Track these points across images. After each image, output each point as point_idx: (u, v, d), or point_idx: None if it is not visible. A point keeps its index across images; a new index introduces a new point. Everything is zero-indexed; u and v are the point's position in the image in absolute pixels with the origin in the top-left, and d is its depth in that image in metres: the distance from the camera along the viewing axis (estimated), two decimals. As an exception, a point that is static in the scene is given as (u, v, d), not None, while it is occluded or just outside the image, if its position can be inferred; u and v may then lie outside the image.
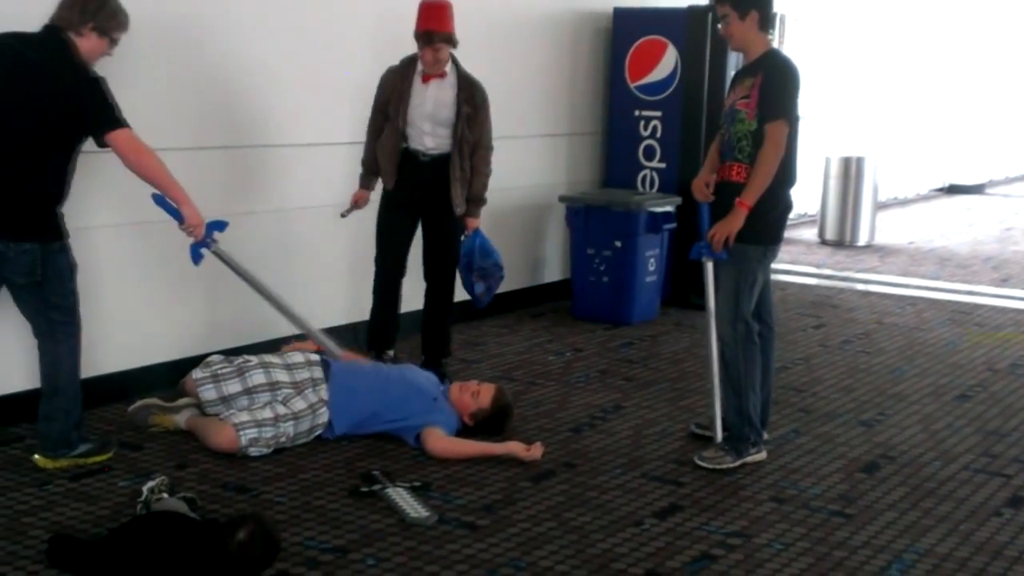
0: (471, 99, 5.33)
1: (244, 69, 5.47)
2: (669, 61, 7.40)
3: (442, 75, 5.31)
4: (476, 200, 5.50)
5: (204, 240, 4.62)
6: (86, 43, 4.11)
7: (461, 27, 5.31)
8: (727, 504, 4.18)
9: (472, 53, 6.06)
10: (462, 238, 5.55)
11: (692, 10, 7.38)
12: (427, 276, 5.62)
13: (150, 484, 3.80)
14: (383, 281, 5.62)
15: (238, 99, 5.51)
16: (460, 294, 5.76)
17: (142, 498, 3.75)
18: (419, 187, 5.40)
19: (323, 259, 6.02)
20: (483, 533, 3.83)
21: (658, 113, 7.46)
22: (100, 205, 4.81)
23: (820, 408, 5.43)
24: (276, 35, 5.60)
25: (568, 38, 7.51)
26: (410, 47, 5.33)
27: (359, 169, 5.63)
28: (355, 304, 6.02)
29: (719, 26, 4.67)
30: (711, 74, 7.29)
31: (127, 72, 4.68)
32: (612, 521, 3.98)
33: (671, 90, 7.42)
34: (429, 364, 5.53)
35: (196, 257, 4.69)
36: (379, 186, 5.59)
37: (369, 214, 5.67)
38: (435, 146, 5.36)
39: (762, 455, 4.66)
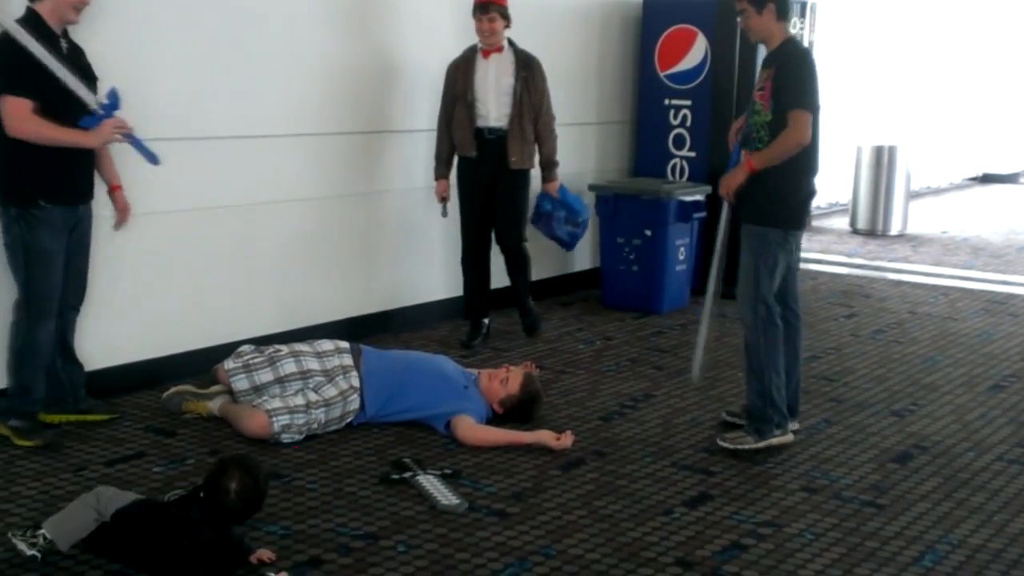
0: (528, 66, 5.90)
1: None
2: (699, 50, 7.37)
3: (499, 49, 5.86)
4: (549, 163, 6.10)
5: (109, 108, 4.29)
6: (48, 4, 4.17)
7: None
8: (758, 494, 4.17)
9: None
10: (544, 200, 6.29)
11: (722, -2, 7.34)
12: (499, 239, 6.12)
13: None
14: (471, 252, 6.08)
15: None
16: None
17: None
18: (489, 161, 5.87)
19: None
20: (513, 521, 3.84)
21: (688, 102, 7.43)
22: (129, 195, 4.84)
23: (852, 398, 5.40)
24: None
25: (598, 27, 7.49)
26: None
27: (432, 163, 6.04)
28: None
29: (738, 20, 4.74)
30: (741, 63, 7.26)
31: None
32: (642, 510, 3.98)
33: (701, 79, 7.38)
34: (522, 314, 6.27)
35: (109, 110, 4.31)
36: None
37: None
38: (499, 116, 5.86)
39: (788, 438, 4.66)
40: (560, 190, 6.24)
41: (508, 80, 5.85)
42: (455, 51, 6.01)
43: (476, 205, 5.99)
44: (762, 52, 7.06)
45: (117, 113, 4.29)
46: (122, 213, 4.62)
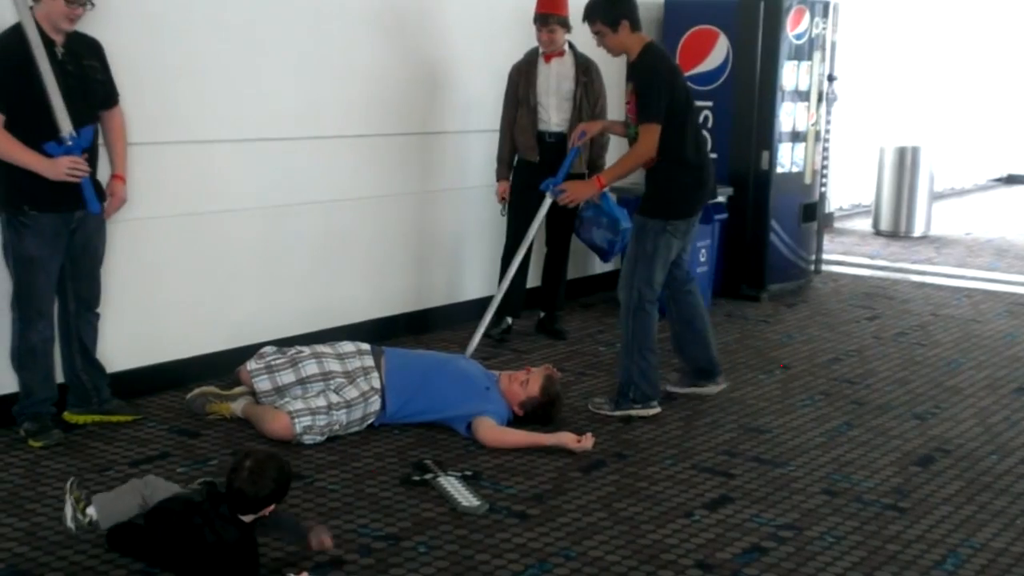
0: (587, 71, 5.99)
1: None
2: (720, 51, 7.37)
3: (560, 53, 5.97)
4: (596, 167, 6.04)
5: (75, 145, 4.23)
6: (42, 9, 4.17)
7: (512, 19, 5.39)
8: (778, 496, 4.17)
9: (523, 44, 6.10)
10: (590, 210, 6.19)
11: (743, 0, 7.34)
12: (548, 241, 6.29)
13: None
14: (512, 251, 5.96)
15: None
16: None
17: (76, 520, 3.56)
18: (549, 164, 5.82)
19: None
20: (533, 523, 3.85)
21: (709, 103, 7.42)
22: (155, 196, 4.88)
23: (873, 400, 5.39)
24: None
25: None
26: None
27: (494, 165, 6.12)
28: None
29: (596, 42, 5.00)
30: (762, 64, 7.26)
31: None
32: (662, 512, 3.98)
33: (722, 80, 7.38)
34: (547, 317, 6.37)
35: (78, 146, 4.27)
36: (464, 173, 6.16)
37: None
38: (560, 121, 5.97)
39: (654, 410, 5.01)
40: (603, 197, 6.12)
41: (568, 85, 5.95)
42: (499, 55, 6.02)
43: (528, 208, 5.81)
44: (785, 52, 7.23)
45: (86, 152, 4.25)
46: (113, 201, 4.51)
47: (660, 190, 4.97)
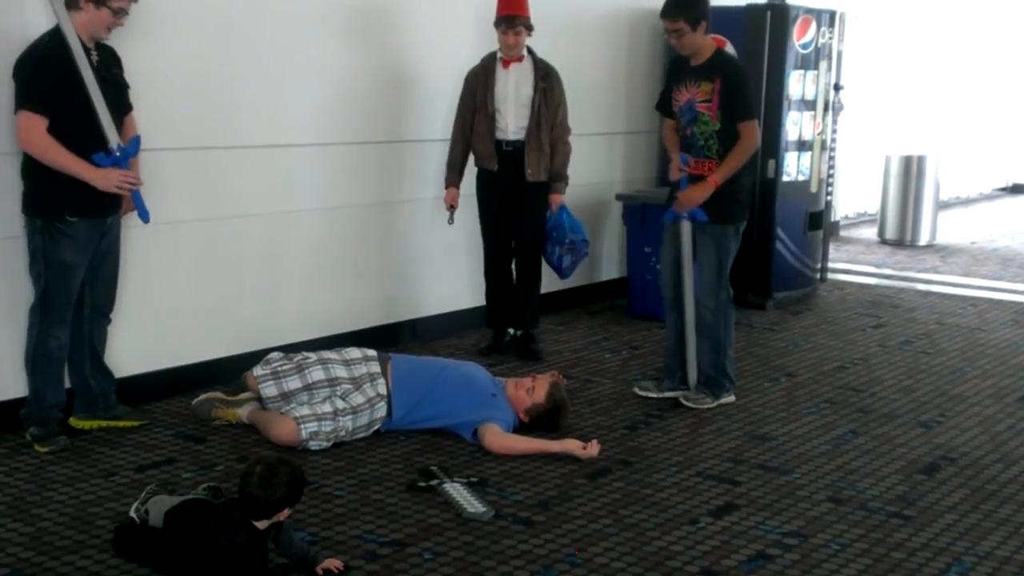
0: (547, 76, 5.84)
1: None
2: (727, 59, 7.36)
3: (519, 59, 5.82)
4: (558, 176, 5.93)
5: (125, 154, 4.31)
6: (84, 17, 4.22)
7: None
8: (784, 504, 4.16)
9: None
10: (548, 215, 5.96)
11: (750, 8, 7.35)
12: (515, 252, 6.07)
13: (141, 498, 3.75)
14: (492, 262, 6.09)
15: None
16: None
17: (137, 510, 3.67)
18: (507, 173, 5.84)
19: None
20: (539, 529, 3.85)
21: (716, 111, 7.42)
22: (165, 202, 4.89)
23: (879, 408, 5.38)
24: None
25: (625, 36, 7.51)
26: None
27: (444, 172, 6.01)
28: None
29: (670, 40, 5.10)
30: (769, 73, 7.26)
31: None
32: (668, 519, 3.98)
33: (729, 88, 7.38)
34: (523, 336, 6.13)
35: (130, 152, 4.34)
36: (470, 179, 6.02)
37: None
38: (518, 129, 5.81)
39: (732, 398, 5.32)
40: (560, 208, 5.96)
41: (527, 91, 5.80)
42: (472, 61, 5.99)
43: (493, 217, 5.95)
44: (792, 61, 7.23)
45: (132, 161, 4.33)
46: (127, 210, 4.54)
47: (732, 194, 5.09)
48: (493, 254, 6.07)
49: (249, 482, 3.32)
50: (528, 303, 6.10)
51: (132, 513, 3.60)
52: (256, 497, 3.31)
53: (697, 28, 4.97)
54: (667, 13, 5.02)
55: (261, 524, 3.35)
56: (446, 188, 5.96)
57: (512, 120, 5.80)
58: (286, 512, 3.38)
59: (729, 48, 7.28)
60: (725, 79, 4.98)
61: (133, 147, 4.34)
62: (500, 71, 5.82)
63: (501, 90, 5.80)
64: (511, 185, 5.86)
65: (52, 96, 4.17)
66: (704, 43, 5.04)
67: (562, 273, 6.17)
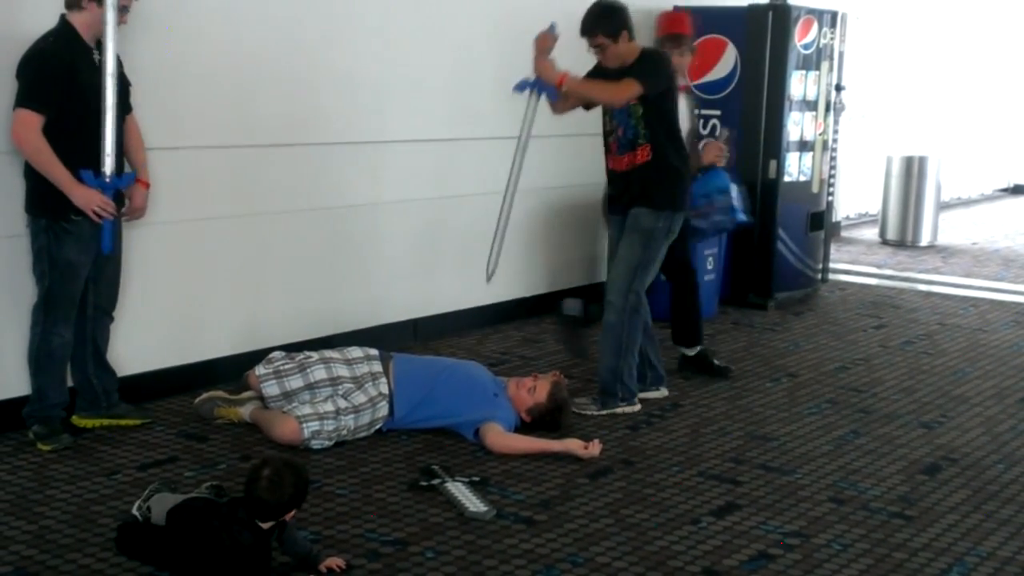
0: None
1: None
2: (729, 60, 7.38)
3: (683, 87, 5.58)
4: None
5: (117, 184, 4.32)
6: (87, 16, 4.22)
7: (517, 26, 5.34)
8: (785, 504, 4.17)
9: (530, 52, 6.10)
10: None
11: (752, 9, 7.36)
12: (666, 270, 5.60)
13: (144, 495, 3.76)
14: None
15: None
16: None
17: (139, 508, 3.67)
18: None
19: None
20: (541, 528, 3.86)
21: (717, 112, 7.43)
22: (169, 202, 4.90)
23: (880, 409, 5.39)
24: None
25: (627, 36, 7.49)
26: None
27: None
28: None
29: (596, 56, 5.02)
30: (771, 73, 7.27)
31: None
32: (669, 519, 3.99)
33: (730, 89, 7.39)
34: (701, 352, 5.81)
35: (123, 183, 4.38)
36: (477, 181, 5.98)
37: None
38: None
39: (636, 407, 5.15)
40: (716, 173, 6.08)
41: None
42: (490, 64, 5.97)
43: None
44: (794, 61, 7.24)
45: (119, 190, 4.35)
46: (136, 208, 4.55)
47: (659, 178, 4.98)
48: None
49: (257, 485, 3.33)
50: (694, 318, 5.84)
51: (134, 511, 3.61)
52: (264, 500, 3.32)
53: (619, 39, 4.90)
54: (584, 31, 4.96)
55: (266, 524, 3.35)
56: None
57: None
58: (292, 513, 3.39)
59: (732, 51, 7.33)
60: (638, 65, 4.91)
61: (125, 180, 4.35)
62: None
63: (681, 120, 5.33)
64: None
65: (54, 96, 4.17)
66: (628, 50, 4.94)
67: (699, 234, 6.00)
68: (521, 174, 4.99)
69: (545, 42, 4.93)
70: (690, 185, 5.30)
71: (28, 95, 4.18)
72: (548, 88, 4.89)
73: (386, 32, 5.91)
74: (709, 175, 5.94)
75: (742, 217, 6.04)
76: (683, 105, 5.50)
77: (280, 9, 5.38)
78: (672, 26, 5.82)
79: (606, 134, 5.19)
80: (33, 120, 4.16)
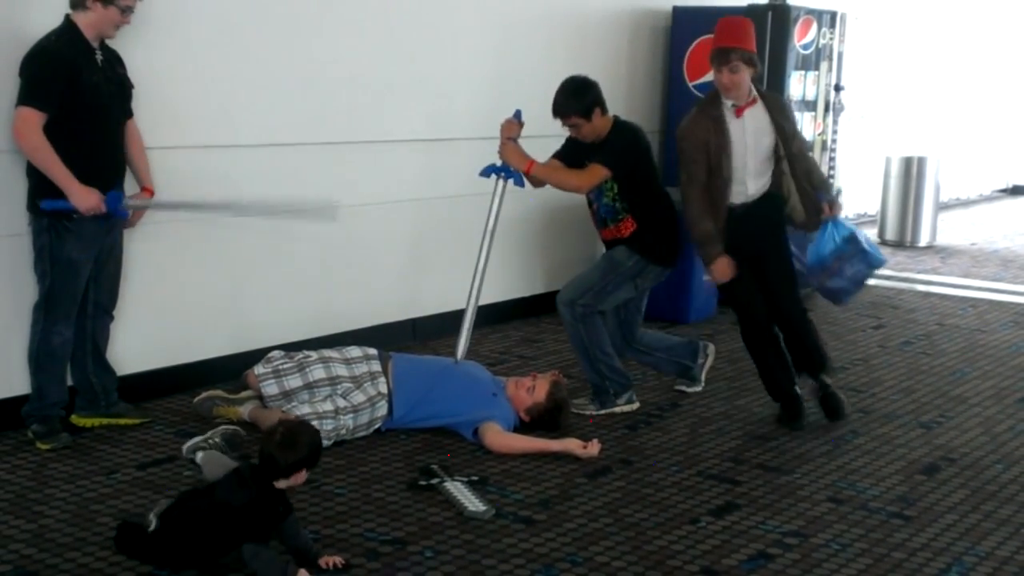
0: (783, 110, 5.05)
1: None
2: (728, 60, 7.37)
3: (752, 102, 4.87)
4: (823, 186, 5.10)
5: (115, 211, 4.38)
6: (92, 16, 4.24)
7: (516, 26, 5.34)
8: (784, 504, 4.17)
9: (528, 52, 6.12)
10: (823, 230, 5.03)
11: (751, 9, 7.34)
12: (775, 314, 5.07)
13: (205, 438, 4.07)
14: (757, 333, 5.10)
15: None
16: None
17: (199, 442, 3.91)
18: (745, 238, 4.91)
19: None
20: (540, 528, 3.86)
21: (717, 112, 7.43)
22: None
23: (879, 409, 5.39)
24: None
25: (626, 37, 7.51)
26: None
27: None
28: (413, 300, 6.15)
29: (570, 132, 5.02)
30: (770, 73, 7.26)
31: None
32: (668, 518, 3.99)
33: (730, 89, 7.38)
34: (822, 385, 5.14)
35: (120, 214, 4.46)
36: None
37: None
38: (757, 190, 4.93)
39: (635, 405, 5.17)
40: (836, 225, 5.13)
41: (768, 141, 4.93)
42: (489, 64, 5.96)
43: (749, 282, 5.06)
44: (792, 62, 7.24)
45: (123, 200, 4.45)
46: (139, 215, 4.63)
47: (645, 231, 5.00)
48: (757, 322, 5.09)
49: (270, 442, 3.38)
50: (810, 345, 5.13)
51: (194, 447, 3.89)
52: (275, 457, 3.35)
53: (592, 116, 4.90)
54: (557, 112, 4.95)
55: (280, 484, 3.37)
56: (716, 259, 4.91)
57: (752, 180, 4.91)
58: (303, 474, 3.41)
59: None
60: (608, 145, 4.92)
61: (121, 213, 4.40)
62: (733, 123, 4.85)
63: (739, 147, 4.84)
64: (753, 247, 4.98)
65: (57, 94, 4.18)
66: (601, 125, 4.95)
67: (836, 297, 5.19)
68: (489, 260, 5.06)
69: (511, 130, 4.99)
70: (678, 233, 5.11)
71: (29, 93, 4.18)
72: (515, 175, 4.96)
73: (387, 33, 5.91)
74: (826, 228, 5.02)
75: (881, 257, 5.15)
76: (747, 127, 4.86)
77: (280, 9, 5.38)
78: (717, 38, 4.95)
79: (588, 204, 5.21)
80: (34, 118, 4.16)
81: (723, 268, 4.91)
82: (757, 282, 5.00)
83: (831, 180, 8.01)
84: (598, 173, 4.89)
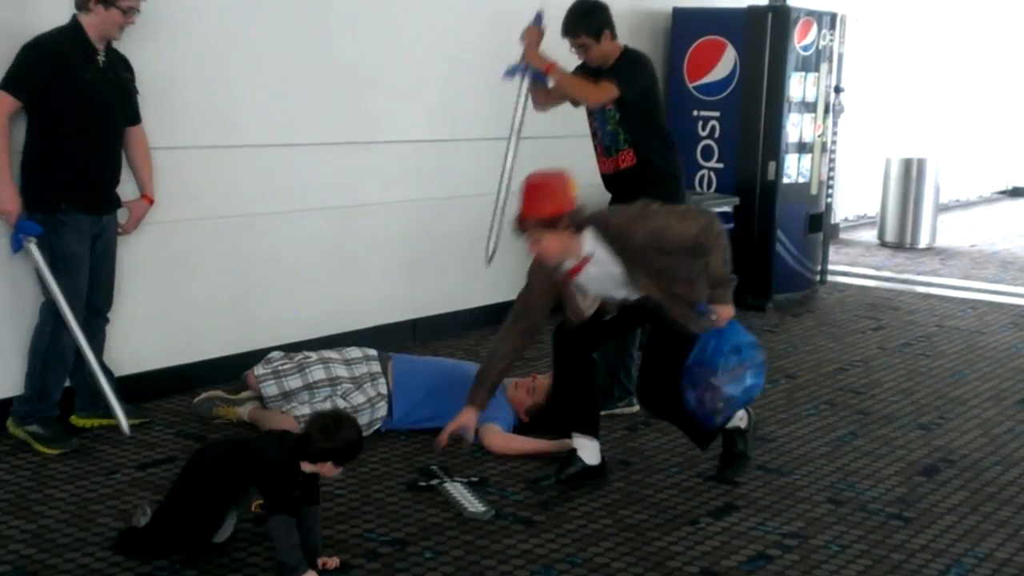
0: (644, 250, 4.04)
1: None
2: (728, 61, 7.39)
3: (586, 260, 4.05)
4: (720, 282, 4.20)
5: (14, 236, 4.26)
6: (94, 18, 4.24)
7: (517, 27, 5.31)
8: (783, 505, 4.17)
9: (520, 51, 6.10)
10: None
11: (751, 10, 7.37)
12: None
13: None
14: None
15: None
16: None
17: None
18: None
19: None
20: (539, 529, 3.86)
21: (716, 113, 7.45)
22: (166, 201, 4.89)
23: (878, 411, 5.39)
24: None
25: (626, 38, 7.38)
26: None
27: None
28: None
29: (578, 55, 4.99)
30: (770, 74, 7.28)
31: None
32: (668, 519, 3.99)
33: (729, 90, 7.40)
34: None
35: (15, 244, 4.28)
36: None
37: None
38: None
39: (635, 407, 5.10)
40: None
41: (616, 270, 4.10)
42: (489, 61, 5.96)
43: None
44: (793, 63, 7.25)
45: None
46: (135, 221, 4.64)
47: (655, 186, 4.83)
48: None
49: (315, 422, 3.42)
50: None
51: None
52: (310, 436, 3.36)
53: (601, 39, 4.89)
54: (566, 31, 4.95)
55: (305, 466, 3.37)
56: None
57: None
58: (328, 466, 3.38)
59: (731, 53, 7.33)
60: (620, 66, 4.92)
61: (14, 242, 4.24)
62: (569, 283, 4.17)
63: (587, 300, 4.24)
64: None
65: (38, 84, 4.17)
66: (610, 50, 4.94)
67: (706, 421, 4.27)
68: (516, 160, 4.98)
69: (532, 35, 4.96)
70: (679, 176, 5.16)
71: (8, 78, 4.19)
72: (537, 72, 4.93)
73: (387, 33, 5.90)
74: (728, 329, 4.19)
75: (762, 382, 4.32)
76: (589, 287, 4.18)
77: (279, 10, 5.39)
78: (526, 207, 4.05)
79: (592, 135, 5.19)
80: (6, 103, 4.16)
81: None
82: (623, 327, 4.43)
83: (830, 179, 8.02)
84: (609, 89, 4.85)
